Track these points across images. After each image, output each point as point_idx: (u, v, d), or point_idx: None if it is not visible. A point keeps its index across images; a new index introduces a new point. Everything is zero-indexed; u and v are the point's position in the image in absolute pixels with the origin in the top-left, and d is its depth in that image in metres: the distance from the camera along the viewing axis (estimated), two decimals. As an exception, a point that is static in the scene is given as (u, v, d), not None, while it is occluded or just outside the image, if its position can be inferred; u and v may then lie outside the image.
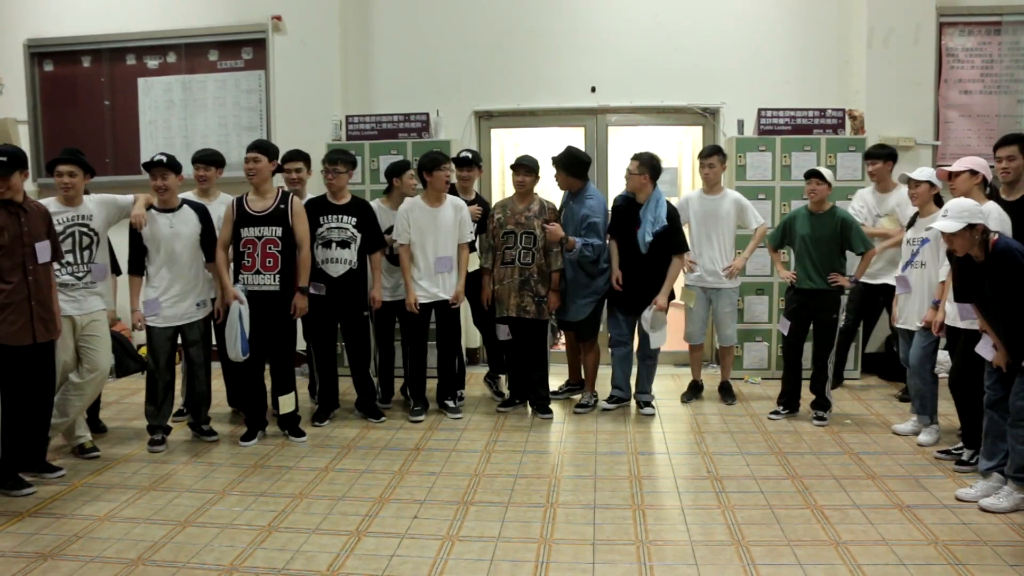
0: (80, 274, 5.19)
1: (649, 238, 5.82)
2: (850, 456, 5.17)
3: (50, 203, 5.13)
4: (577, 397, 6.50)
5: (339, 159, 5.91)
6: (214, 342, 5.78)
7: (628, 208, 5.99)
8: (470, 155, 6.23)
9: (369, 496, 4.61)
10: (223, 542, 4.05)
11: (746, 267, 6.68)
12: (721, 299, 6.41)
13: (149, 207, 5.43)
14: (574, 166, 6.04)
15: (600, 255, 6.02)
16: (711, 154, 6.37)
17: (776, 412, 6.02)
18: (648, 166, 5.91)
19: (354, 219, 5.87)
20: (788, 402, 6.02)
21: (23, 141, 8.49)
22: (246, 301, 5.40)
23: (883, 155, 6.48)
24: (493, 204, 6.43)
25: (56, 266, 5.06)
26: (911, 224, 5.44)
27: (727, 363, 6.61)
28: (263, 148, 5.56)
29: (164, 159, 5.38)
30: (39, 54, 8.49)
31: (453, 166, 6.09)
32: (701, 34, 7.65)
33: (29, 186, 8.12)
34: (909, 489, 4.59)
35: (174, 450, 5.56)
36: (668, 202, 5.95)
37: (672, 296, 6.03)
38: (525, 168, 5.99)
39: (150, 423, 5.62)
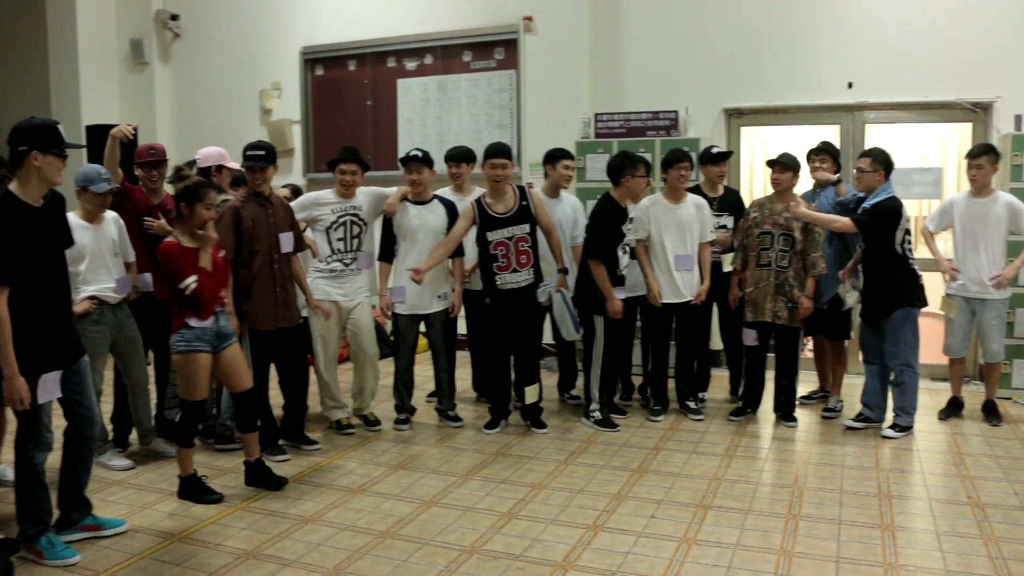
0: (348, 260, 5.62)
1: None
2: None
3: (327, 195, 5.63)
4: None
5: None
6: (463, 332, 6.04)
7: (856, 210, 5.65)
8: (420, 154, 5.79)
9: (607, 492, 4.65)
10: (465, 524, 4.24)
11: (1018, 276, 6.10)
12: (986, 311, 5.91)
13: (403, 199, 5.75)
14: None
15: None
16: (980, 154, 5.85)
17: None
18: (881, 162, 5.54)
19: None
20: None
21: (296, 140, 9.25)
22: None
23: None
24: (748, 204, 6.23)
25: (327, 252, 5.52)
26: None
27: (993, 380, 6.09)
28: (510, 153, 5.69)
29: (419, 154, 5.71)
30: (311, 60, 9.22)
31: (689, 164, 5.95)
32: (973, 22, 7.05)
33: (299, 180, 8.90)
34: None
35: (421, 432, 5.87)
36: (892, 198, 5.49)
37: (909, 302, 5.57)
38: (781, 165, 5.79)
39: (396, 404, 5.99)
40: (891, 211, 5.47)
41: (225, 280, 4.75)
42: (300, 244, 5.33)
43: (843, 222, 5.52)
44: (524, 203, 5.64)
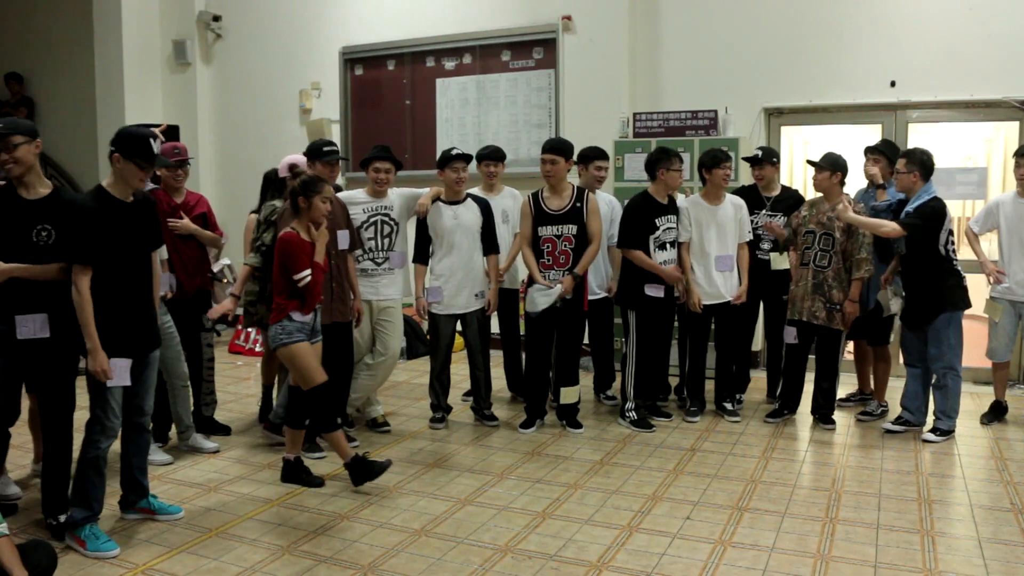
0: (379, 260, 5.64)
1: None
2: None
3: (358, 194, 5.67)
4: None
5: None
6: (496, 330, 6.04)
7: (898, 213, 5.57)
8: (463, 152, 5.85)
9: (642, 493, 4.63)
10: (499, 523, 4.24)
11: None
12: (1032, 314, 5.81)
13: (436, 199, 5.77)
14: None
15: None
16: None
17: None
18: (918, 163, 5.43)
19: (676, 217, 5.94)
20: None
21: (335, 139, 9.32)
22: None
23: None
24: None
25: (359, 252, 5.55)
26: None
27: (1038, 384, 6.00)
28: (560, 149, 5.69)
29: (463, 152, 5.78)
30: (351, 59, 9.28)
31: (731, 164, 5.91)
32: (1019, 18, 6.90)
33: (338, 179, 8.95)
34: None
35: (456, 431, 5.89)
36: (936, 198, 5.39)
37: (953, 305, 5.49)
38: (818, 166, 5.73)
39: (432, 402, 6.01)
40: (937, 212, 5.38)
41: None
42: (355, 242, 5.37)
43: (891, 227, 5.40)
44: (578, 204, 5.64)
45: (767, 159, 6.21)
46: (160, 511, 4.28)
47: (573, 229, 5.63)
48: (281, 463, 4.92)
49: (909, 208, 5.44)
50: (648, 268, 5.71)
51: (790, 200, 6.25)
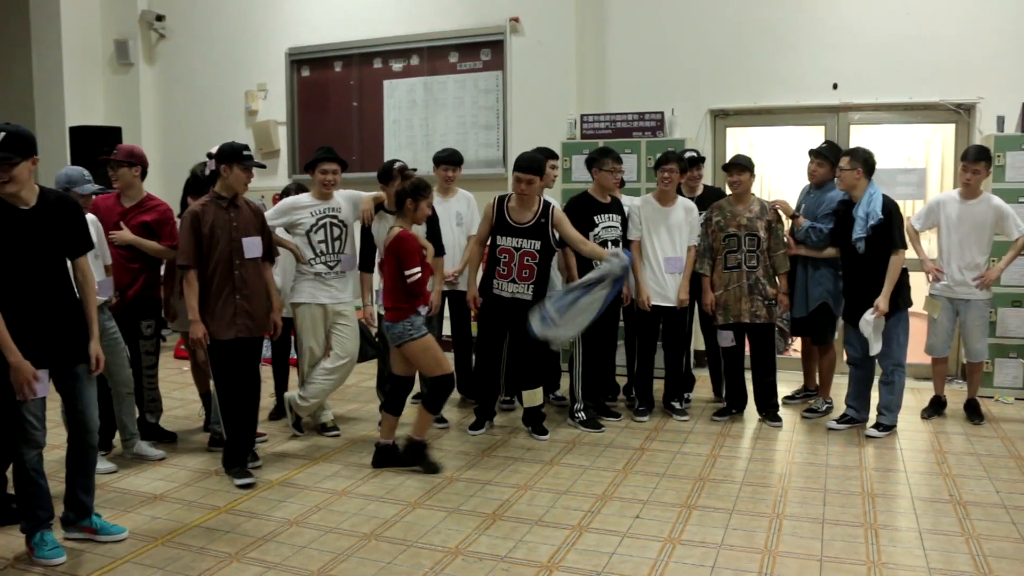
0: (332, 263, 5.58)
1: (861, 233, 5.48)
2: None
3: (303, 198, 5.63)
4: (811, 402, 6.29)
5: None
6: (448, 332, 6.01)
7: (844, 213, 5.70)
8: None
9: (592, 492, 4.66)
10: (449, 525, 4.23)
11: (1001, 277, 6.13)
12: (970, 311, 5.94)
13: (380, 207, 5.71)
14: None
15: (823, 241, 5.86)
16: (979, 159, 5.80)
17: None
18: (861, 160, 5.57)
19: (619, 216, 5.95)
20: None
21: (281, 141, 9.24)
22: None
23: None
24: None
25: (311, 255, 5.49)
26: None
27: (975, 380, 6.13)
28: (538, 169, 5.48)
29: (405, 166, 5.72)
30: (298, 61, 9.22)
31: (675, 166, 5.89)
32: (957, 24, 7.10)
33: (284, 181, 8.88)
34: None
35: (406, 433, 5.83)
36: (885, 196, 5.58)
37: (904, 304, 5.64)
38: (739, 167, 5.83)
39: (381, 405, 5.97)
40: (897, 207, 5.59)
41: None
42: (269, 251, 5.07)
43: (833, 252, 5.81)
44: (543, 220, 5.54)
45: (699, 162, 6.30)
46: (102, 531, 4.09)
47: (536, 244, 5.52)
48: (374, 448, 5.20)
49: (860, 211, 5.53)
50: (570, 272, 5.79)
51: (714, 198, 6.28)
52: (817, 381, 6.34)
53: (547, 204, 5.61)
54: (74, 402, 3.94)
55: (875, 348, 5.57)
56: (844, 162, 5.64)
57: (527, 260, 5.53)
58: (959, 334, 6.25)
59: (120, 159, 5.26)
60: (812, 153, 6.13)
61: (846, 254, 5.71)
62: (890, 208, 5.53)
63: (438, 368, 4.94)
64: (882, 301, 5.48)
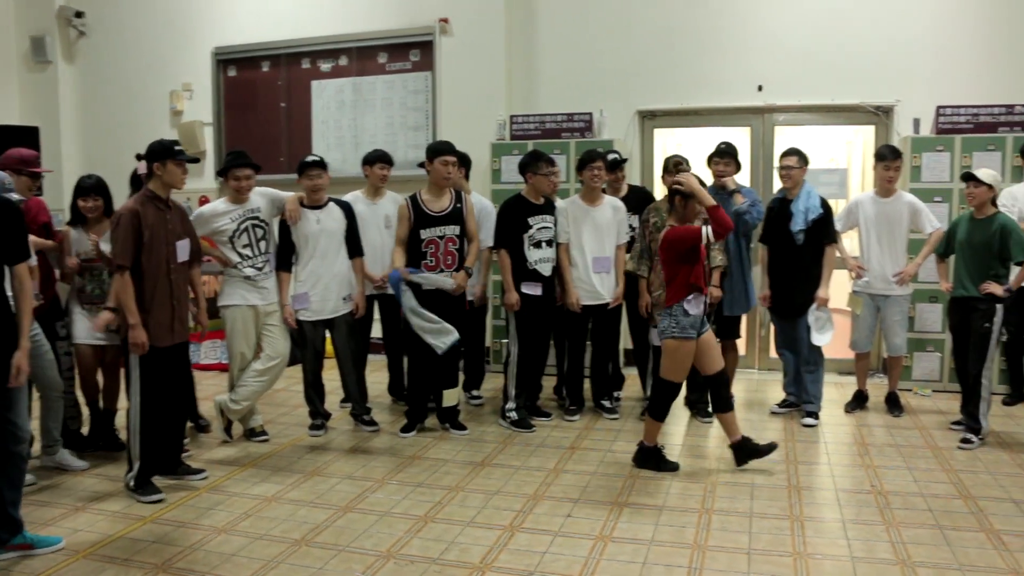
0: (260, 264, 5.51)
1: (803, 226, 5.73)
2: (1032, 478, 4.84)
3: (219, 205, 5.53)
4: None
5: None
6: (378, 335, 5.98)
7: (780, 209, 5.91)
8: (319, 159, 5.80)
9: (524, 492, 4.67)
10: (381, 529, 4.21)
11: (918, 273, 6.32)
12: (890, 307, 6.12)
13: (301, 205, 5.68)
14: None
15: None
16: (898, 157, 6.04)
17: (958, 422, 5.71)
18: (805, 159, 5.90)
19: (553, 217, 5.96)
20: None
21: (207, 142, 9.06)
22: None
23: None
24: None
25: (236, 259, 5.40)
26: None
27: (895, 373, 6.31)
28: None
29: (319, 159, 5.72)
30: (224, 60, 9.05)
31: (603, 164, 5.93)
32: (875, 28, 7.31)
33: (210, 184, 8.73)
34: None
35: (336, 437, 5.82)
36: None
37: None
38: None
39: (310, 409, 5.94)
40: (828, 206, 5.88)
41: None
42: (197, 254, 5.00)
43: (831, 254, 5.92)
44: (458, 205, 5.71)
45: (620, 163, 6.34)
46: (38, 544, 3.95)
47: (456, 230, 5.68)
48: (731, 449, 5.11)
49: (800, 206, 5.78)
50: (503, 276, 5.84)
51: (638, 198, 6.32)
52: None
53: (459, 193, 5.80)
54: (4, 412, 3.78)
55: (820, 339, 5.80)
56: (793, 161, 5.87)
57: (450, 247, 5.67)
58: (880, 330, 6.42)
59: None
60: (719, 155, 6.05)
61: (777, 249, 5.89)
62: (826, 203, 5.84)
63: (671, 373, 4.91)
64: (822, 291, 5.77)
